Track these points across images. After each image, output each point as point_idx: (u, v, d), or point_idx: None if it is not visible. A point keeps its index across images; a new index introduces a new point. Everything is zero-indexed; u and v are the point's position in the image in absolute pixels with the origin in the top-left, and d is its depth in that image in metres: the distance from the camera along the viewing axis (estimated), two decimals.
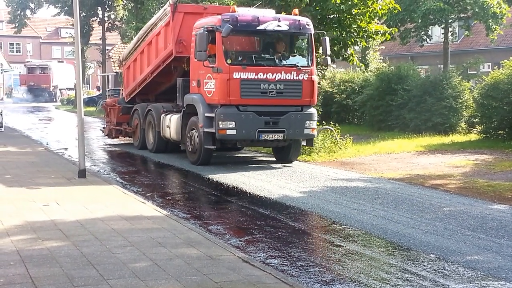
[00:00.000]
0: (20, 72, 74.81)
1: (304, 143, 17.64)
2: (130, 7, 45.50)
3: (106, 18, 50.84)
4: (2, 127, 27.64)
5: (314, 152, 18.48)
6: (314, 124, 17.00)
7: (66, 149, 21.88)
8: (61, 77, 71.78)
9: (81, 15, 43.88)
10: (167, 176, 16.26)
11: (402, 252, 8.50)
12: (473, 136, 22.80)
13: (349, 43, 19.82)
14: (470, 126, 24.33)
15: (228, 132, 16.08)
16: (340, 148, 19.29)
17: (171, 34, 18.56)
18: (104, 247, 8.07)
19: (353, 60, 20.51)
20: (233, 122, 16.07)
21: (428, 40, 31.72)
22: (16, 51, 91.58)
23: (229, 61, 16.19)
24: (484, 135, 22.07)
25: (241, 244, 8.90)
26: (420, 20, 28.07)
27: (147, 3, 37.78)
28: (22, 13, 54.15)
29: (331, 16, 19.49)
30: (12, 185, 13.06)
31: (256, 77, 16.18)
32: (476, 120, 23.71)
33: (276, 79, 16.30)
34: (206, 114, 16.45)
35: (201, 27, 16.47)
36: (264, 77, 16.21)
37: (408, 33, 30.06)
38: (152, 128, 20.21)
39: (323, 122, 21.99)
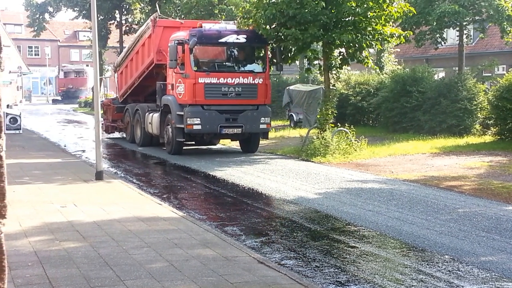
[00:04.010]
0: (58, 76, 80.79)
1: (261, 136, 20.52)
2: (147, 11, 45.62)
3: (123, 21, 51.03)
4: (20, 129, 27.88)
5: (329, 154, 18.53)
6: (268, 120, 20.01)
7: (83, 151, 22.12)
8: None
9: (99, 19, 44.21)
10: (183, 178, 16.32)
11: (416, 253, 8.53)
12: (487, 138, 22.72)
13: (364, 45, 19.92)
14: (484, 128, 24.25)
15: (195, 127, 19.22)
16: (355, 150, 19.30)
17: (152, 44, 21.61)
18: (121, 248, 8.16)
19: (368, 62, 20.62)
20: (199, 119, 19.18)
21: (443, 42, 31.55)
22: (35, 54, 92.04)
23: (195, 68, 19.18)
24: (499, 137, 22.00)
25: (257, 245, 8.97)
26: (435, 23, 27.92)
27: (164, 7, 37.94)
28: (41, 17, 54.44)
29: (347, 19, 19.59)
30: (30, 186, 13.22)
31: (218, 81, 19.28)
32: (490, 122, 23.66)
33: (235, 83, 19.40)
34: (177, 112, 19.47)
35: (173, 40, 19.48)
36: (225, 81, 19.32)
37: (423, 35, 29.90)
38: (140, 125, 23.17)
39: (338, 124, 22.01)
